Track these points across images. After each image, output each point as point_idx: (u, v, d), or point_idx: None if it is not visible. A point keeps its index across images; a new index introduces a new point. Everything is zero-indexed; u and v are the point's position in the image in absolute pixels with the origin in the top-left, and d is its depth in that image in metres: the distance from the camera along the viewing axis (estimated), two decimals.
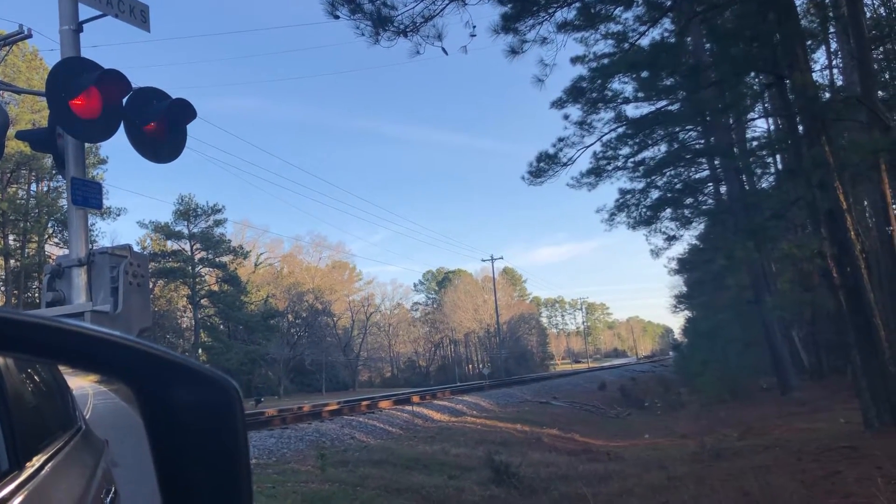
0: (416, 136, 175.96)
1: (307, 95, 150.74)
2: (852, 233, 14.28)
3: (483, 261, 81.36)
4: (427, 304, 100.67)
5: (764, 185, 31.34)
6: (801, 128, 16.13)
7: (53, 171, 40.08)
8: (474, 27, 14.08)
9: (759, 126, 35.42)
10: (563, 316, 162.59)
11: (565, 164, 21.46)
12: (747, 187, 30.54)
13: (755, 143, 29.94)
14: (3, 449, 1.42)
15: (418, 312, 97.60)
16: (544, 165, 21.30)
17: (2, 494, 1.32)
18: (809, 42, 20.63)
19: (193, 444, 0.91)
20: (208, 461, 0.92)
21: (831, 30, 23.80)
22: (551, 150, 21.55)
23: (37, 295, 40.26)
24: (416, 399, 29.82)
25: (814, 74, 18.17)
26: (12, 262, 42.81)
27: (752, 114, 27.98)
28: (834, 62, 27.83)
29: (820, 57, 29.27)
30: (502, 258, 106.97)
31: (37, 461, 1.60)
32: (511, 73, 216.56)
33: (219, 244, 57.56)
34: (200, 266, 57.41)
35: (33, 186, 45.67)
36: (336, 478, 13.05)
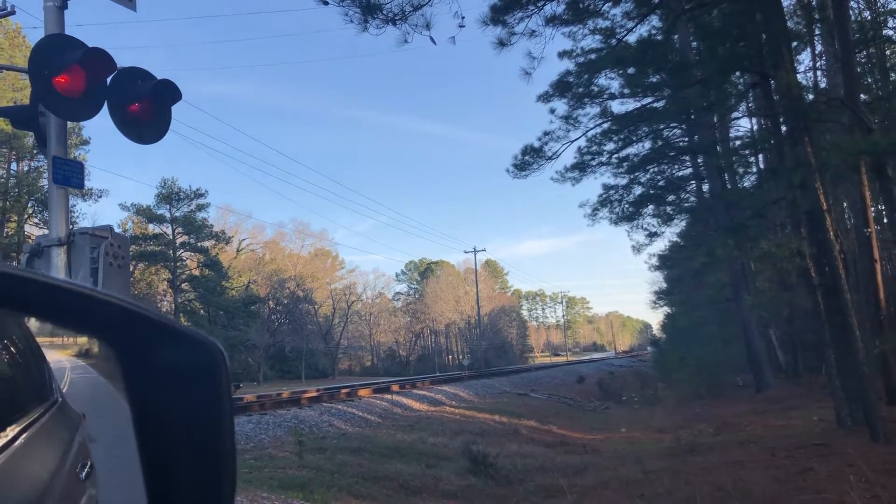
0: (402, 125, 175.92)
1: (295, 82, 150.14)
2: (832, 233, 14.44)
3: (466, 252, 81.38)
4: (409, 294, 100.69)
5: (746, 184, 31.59)
6: (784, 128, 16.26)
7: (34, 151, 39.60)
8: (463, 18, 14.07)
9: (743, 125, 35.77)
10: (543, 309, 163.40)
11: (550, 158, 21.57)
12: (729, 186, 30.77)
13: (738, 142, 30.22)
14: None
15: (400, 302, 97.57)
16: (529, 159, 21.39)
17: None
18: (795, 43, 20.78)
19: (176, 407, 0.90)
20: (191, 425, 0.91)
21: (817, 32, 23.99)
22: (536, 144, 21.66)
23: None
24: (395, 388, 29.84)
25: (798, 76, 18.31)
26: None
27: (735, 113, 28.20)
28: (818, 64, 28.08)
29: (805, 59, 29.54)
30: (485, 250, 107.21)
31: (10, 432, 1.59)
32: (499, 65, 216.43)
33: (201, 229, 57.21)
34: (182, 250, 57.05)
35: (13, 165, 45.14)
36: (314, 464, 13.06)
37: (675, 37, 21.50)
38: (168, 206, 56.12)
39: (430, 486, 12.81)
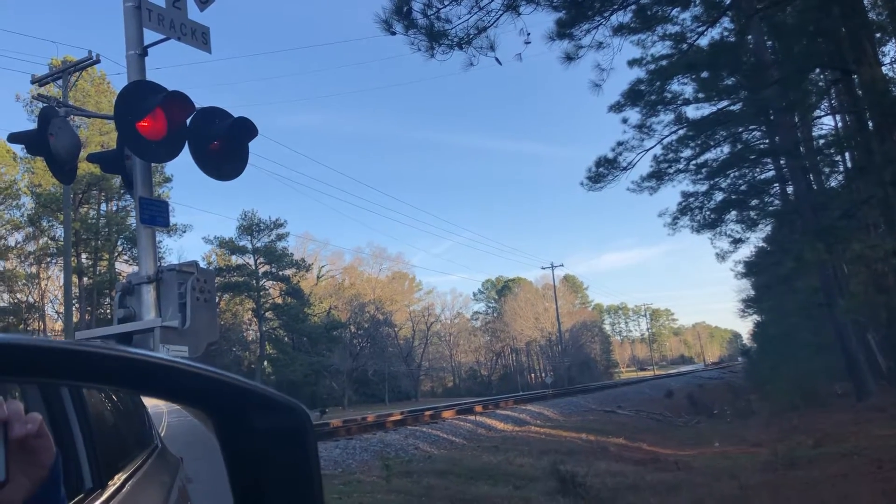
0: (476, 144, 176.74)
1: (367, 109, 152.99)
2: None
3: (543, 268, 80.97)
4: (487, 314, 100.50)
5: (833, 184, 30.36)
6: (870, 124, 15.60)
7: (122, 191, 41.46)
8: (528, 34, 13.98)
9: (826, 123, 34.32)
10: (626, 323, 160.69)
11: (625, 169, 21.23)
12: (815, 187, 29.61)
13: (822, 142, 29.03)
14: (86, 468, 1.47)
15: (479, 322, 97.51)
16: (603, 170, 21.10)
17: None
18: (878, 35, 19.92)
19: (268, 466, 0.93)
20: (282, 482, 0.94)
21: None
22: (610, 155, 21.37)
23: (108, 311, 41.65)
24: (478, 409, 29.74)
25: (883, 68, 17.55)
26: (85, 279, 44.41)
27: (817, 111, 27.15)
28: None
29: (890, 50, 28.23)
30: (563, 265, 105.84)
31: (118, 479, 1.64)
32: (568, 78, 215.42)
33: (282, 258, 58.63)
34: (264, 280, 58.57)
35: (103, 206, 47.34)
36: (401, 488, 13.09)
37: (749, 37, 20.95)
38: (249, 238, 57.79)
39: None
